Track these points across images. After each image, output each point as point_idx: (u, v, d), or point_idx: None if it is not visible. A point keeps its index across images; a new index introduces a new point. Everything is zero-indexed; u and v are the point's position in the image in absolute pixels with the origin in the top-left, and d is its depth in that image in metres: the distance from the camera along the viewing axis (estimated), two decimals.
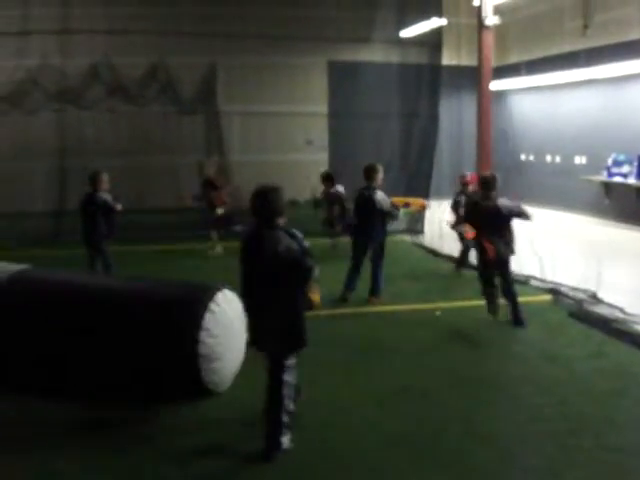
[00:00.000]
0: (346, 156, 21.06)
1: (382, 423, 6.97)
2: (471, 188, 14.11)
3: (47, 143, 19.99)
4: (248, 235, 6.58)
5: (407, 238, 18.40)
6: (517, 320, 10.51)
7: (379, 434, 6.75)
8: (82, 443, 6.52)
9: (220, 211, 16.72)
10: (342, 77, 23.23)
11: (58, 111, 19.91)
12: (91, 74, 20.13)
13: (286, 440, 6.35)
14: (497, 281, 10.62)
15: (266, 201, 6.42)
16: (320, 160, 23.20)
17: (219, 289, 7.38)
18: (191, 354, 6.98)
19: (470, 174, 15.15)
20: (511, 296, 10.59)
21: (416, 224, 19.09)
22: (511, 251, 10.52)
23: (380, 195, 11.65)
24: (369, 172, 11.81)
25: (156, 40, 20.08)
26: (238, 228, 16.53)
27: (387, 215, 11.83)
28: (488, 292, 10.73)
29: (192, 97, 20.94)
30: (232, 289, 7.44)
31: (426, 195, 19.35)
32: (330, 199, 16.51)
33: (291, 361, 6.46)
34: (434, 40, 20.31)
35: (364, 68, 21.91)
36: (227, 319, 7.30)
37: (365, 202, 11.69)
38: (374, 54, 22.07)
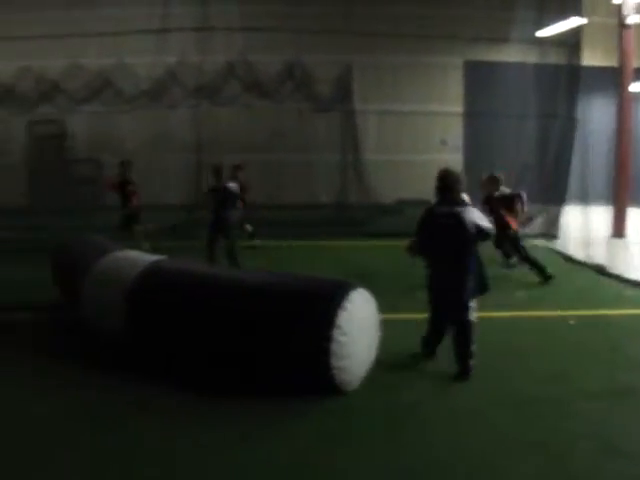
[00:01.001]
0: (481, 157, 20.75)
1: (513, 429, 6.77)
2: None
3: (184, 137, 20.45)
4: (441, 211, 8.08)
5: (539, 243, 17.96)
6: (546, 277, 13.08)
7: (509, 439, 6.55)
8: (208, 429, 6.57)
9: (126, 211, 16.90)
10: (478, 77, 22.92)
11: (195, 107, 20.33)
12: (228, 71, 20.45)
13: (472, 363, 7.97)
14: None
15: (456, 182, 8.20)
16: (454, 160, 22.88)
17: (354, 287, 7.35)
18: (323, 351, 6.97)
19: None
20: (529, 260, 13.36)
21: (552, 228, 18.62)
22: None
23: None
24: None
25: (292, 38, 20.25)
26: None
27: None
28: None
29: (328, 95, 21.00)
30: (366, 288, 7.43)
31: (562, 200, 18.88)
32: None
33: (473, 304, 8.04)
34: (573, 40, 19.79)
35: (501, 68, 21.56)
36: (360, 318, 7.27)
37: None
38: (511, 54, 21.68)
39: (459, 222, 7.87)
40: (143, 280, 8.36)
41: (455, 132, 23.69)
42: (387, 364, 7.94)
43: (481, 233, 7.99)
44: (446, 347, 8.23)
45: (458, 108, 23.55)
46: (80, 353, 8.80)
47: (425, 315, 8.48)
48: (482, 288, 8.15)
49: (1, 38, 21.11)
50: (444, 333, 8.35)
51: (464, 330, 8.01)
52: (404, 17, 21.68)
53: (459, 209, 7.99)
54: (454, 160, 22.79)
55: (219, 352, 7.73)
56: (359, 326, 7.26)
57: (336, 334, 6.96)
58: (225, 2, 20.65)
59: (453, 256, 7.95)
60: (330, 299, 7.12)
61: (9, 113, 21.85)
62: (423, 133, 23.34)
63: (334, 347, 6.96)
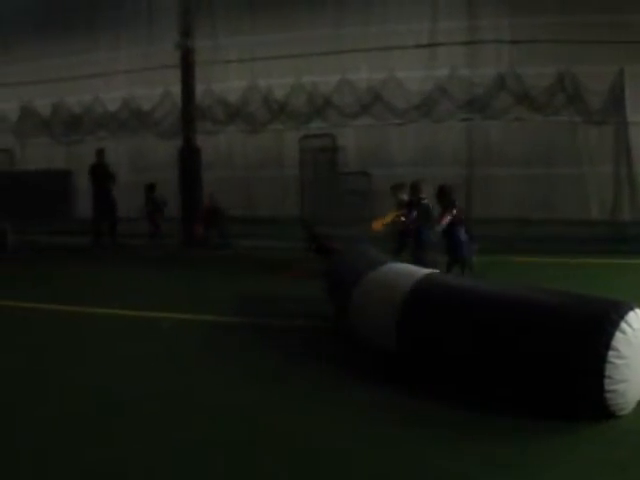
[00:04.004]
0: None
1: None
2: None
3: (454, 151, 20.56)
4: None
5: None
6: None
7: None
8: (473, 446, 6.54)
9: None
10: None
11: (465, 120, 20.38)
12: (498, 84, 20.33)
13: None
14: None
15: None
16: None
17: (631, 307, 7.07)
18: (597, 373, 6.76)
19: None
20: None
21: None
22: None
23: None
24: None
25: (562, 49, 19.85)
26: None
27: None
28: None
29: (600, 106, 20.35)
30: None
31: None
32: None
33: None
34: None
35: None
36: (638, 340, 6.98)
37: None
38: None
39: None
40: (415, 293, 8.47)
41: None
42: None
43: None
44: None
45: None
46: (348, 362, 9.04)
47: None
48: None
49: (276, 56, 22.22)
50: None
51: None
52: None
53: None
54: None
55: (486, 367, 7.70)
56: (636, 348, 6.97)
57: (611, 356, 6.73)
58: (494, 15, 20.64)
59: None
60: (606, 319, 6.88)
61: (283, 127, 22.90)
62: None
63: (609, 369, 6.74)
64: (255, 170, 23.51)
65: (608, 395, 6.81)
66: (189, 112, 21.51)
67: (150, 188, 20.83)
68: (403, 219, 14.30)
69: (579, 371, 6.89)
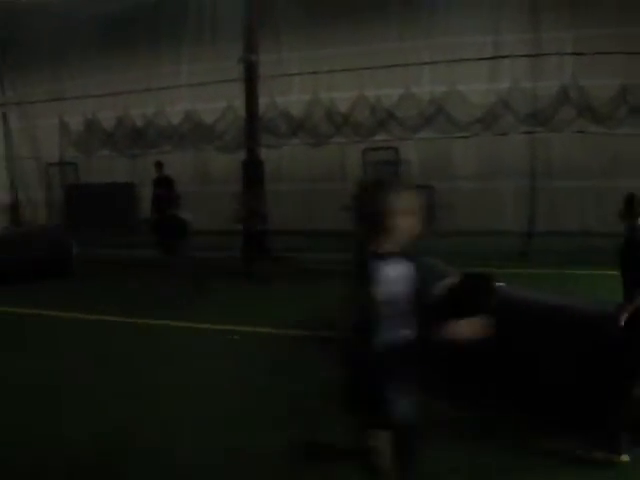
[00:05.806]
0: None
1: None
2: None
3: (517, 164, 20.47)
4: None
5: None
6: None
7: None
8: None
9: None
10: None
11: (528, 133, 20.28)
12: (560, 96, 20.22)
13: None
14: None
15: None
16: None
17: None
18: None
19: None
20: None
21: None
22: None
23: None
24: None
25: (625, 60, 19.71)
26: None
27: None
28: None
29: None
30: None
31: None
32: None
33: None
34: None
35: None
36: None
37: None
38: None
39: None
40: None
41: None
42: None
43: None
44: None
45: None
46: None
47: None
48: None
49: (338, 70, 22.37)
50: None
51: None
52: None
53: None
54: None
55: (513, 378, 7.73)
56: None
57: None
58: (557, 27, 20.57)
59: None
60: None
61: (346, 141, 23.02)
62: None
63: None
64: (318, 183, 23.66)
65: None
66: (253, 125, 21.71)
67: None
68: None
69: (614, 381, 6.85)
